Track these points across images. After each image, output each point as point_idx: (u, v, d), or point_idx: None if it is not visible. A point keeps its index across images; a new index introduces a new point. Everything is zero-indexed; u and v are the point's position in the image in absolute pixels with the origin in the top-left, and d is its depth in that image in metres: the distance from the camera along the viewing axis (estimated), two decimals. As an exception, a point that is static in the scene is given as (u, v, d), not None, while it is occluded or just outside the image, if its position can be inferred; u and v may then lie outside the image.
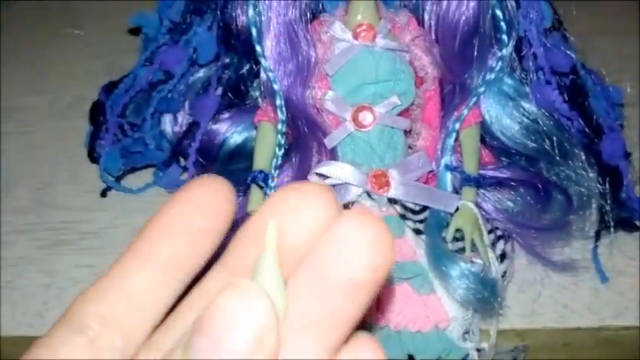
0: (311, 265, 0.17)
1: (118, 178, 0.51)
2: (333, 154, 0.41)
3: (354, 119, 0.40)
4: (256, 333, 0.15)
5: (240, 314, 0.15)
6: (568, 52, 0.43)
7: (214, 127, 0.47)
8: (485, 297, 0.38)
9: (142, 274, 0.18)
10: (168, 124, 0.49)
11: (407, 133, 0.43)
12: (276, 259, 0.17)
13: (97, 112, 0.51)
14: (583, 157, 0.45)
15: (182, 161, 0.51)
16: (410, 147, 0.43)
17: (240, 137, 0.47)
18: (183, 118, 0.49)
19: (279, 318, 0.16)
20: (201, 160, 0.48)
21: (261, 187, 0.40)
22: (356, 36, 0.40)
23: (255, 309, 0.15)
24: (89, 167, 0.52)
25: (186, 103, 0.48)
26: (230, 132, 0.47)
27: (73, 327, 0.18)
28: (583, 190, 0.45)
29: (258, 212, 0.18)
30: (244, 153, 0.46)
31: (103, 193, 0.51)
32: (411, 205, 0.40)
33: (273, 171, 0.40)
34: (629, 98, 0.52)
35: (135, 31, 0.52)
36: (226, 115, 0.47)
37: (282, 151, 0.40)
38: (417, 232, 0.40)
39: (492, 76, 0.41)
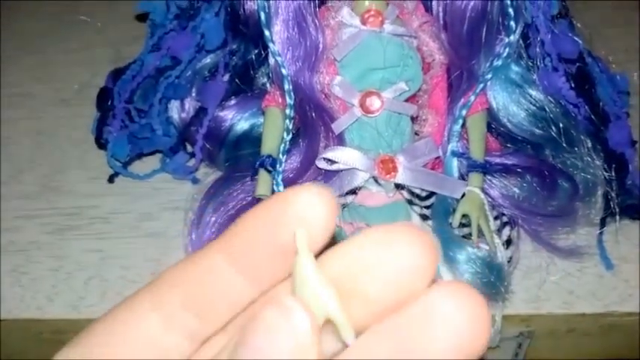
0: (393, 331, 0.16)
1: (126, 164, 0.51)
2: (340, 140, 0.41)
3: (362, 104, 0.40)
4: (296, 347, 0.15)
5: (280, 328, 0.15)
6: (575, 39, 0.43)
7: (221, 113, 0.47)
8: (492, 281, 0.38)
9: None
10: (175, 110, 0.49)
11: (414, 119, 0.43)
12: (314, 264, 0.17)
13: (104, 99, 0.51)
14: (589, 144, 0.45)
15: (189, 147, 0.51)
16: (416, 133, 0.43)
17: (246, 124, 0.47)
18: (190, 105, 0.49)
19: (319, 328, 0.16)
20: (208, 146, 0.48)
21: (269, 172, 0.40)
22: (364, 22, 0.40)
23: (295, 324, 0.15)
24: (97, 153, 0.52)
25: (194, 89, 0.48)
26: (237, 118, 0.47)
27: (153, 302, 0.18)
28: (589, 177, 0.45)
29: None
30: (251, 139, 0.47)
31: (111, 179, 0.51)
32: (417, 191, 0.41)
33: (281, 156, 0.40)
34: (635, 87, 0.52)
35: (142, 18, 0.52)
36: (233, 101, 0.47)
37: (290, 135, 0.40)
38: (424, 217, 0.41)
39: (500, 62, 0.41)
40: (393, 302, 0.16)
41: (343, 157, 0.40)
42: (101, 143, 0.52)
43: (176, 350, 0.18)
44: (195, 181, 0.50)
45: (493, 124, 0.44)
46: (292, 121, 0.40)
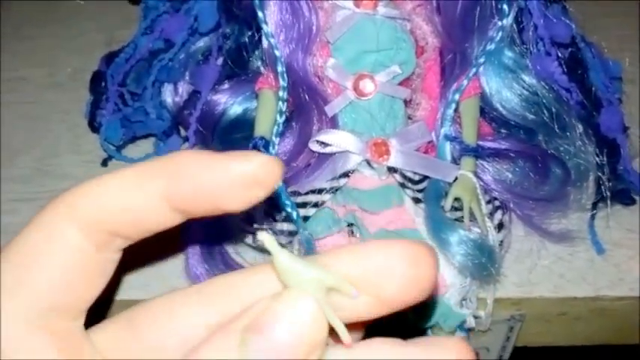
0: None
1: (119, 148, 0.51)
2: (333, 123, 0.41)
3: (355, 87, 0.40)
4: (308, 334, 0.17)
5: (293, 318, 0.17)
6: (568, 23, 0.43)
7: (214, 97, 0.47)
8: (483, 263, 0.38)
9: None
10: (168, 93, 0.49)
11: (407, 103, 0.43)
12: (295, 260, 0.18)
13: (97, 82, 0.51)
14: (581, 130, 0.45)
15: (183, 131, 0.51)
16: (409, 117, 0.44)
17: (240, 107, 0.47)
18: (184, 88, 0.49)
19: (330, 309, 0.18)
20: (201, 129, 0.48)
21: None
22: (357, 4, 0.40)
23: (303, 313, 0.17)
24: (90, 137, 0.52)
25: (187, 73, 0.48)
26: (230, 102, 0.47)
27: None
28: (581, 162, 0.45)
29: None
30: (244, 123, 0.47)
31: (104, 163, 0.51)
32: (410, 175, 0.41)
33: (274, 138, 0.40)
34: (628, 75, 0.52)
35: (135, 1, 0.52)
36: (227, 85, 0.47)
37: (283, 118, 0.40)
38: (417, 200, 0.41)
39: (493, 46, 0.42)
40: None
41: (336, 139, 0.40)
42: (94, 127, 0.52)
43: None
44: (188, 164, 0.50)
45: (486, 108, 0.44)
46: (285, 104, 0.40)
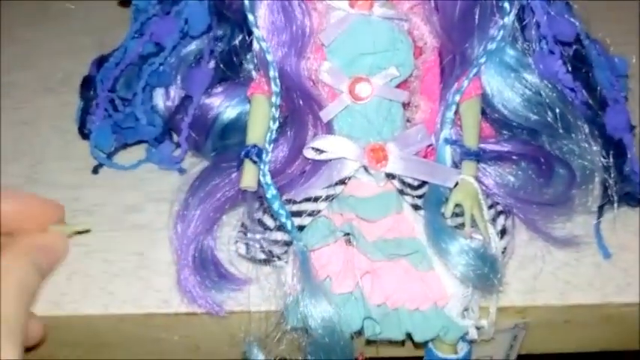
0: None
1: (110, 155, 0.50)
2: (329, 128, 0.40)
3: (351, 91, 0.39)
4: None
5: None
6: (572, 20, 0.42)
7: (207, 101, 0.46)
8: (485, 273, 0.37)
9: None
10: (160, 98, 0.48)
11: (405, 105, 0.42)
12: None
13: (87, 87, 0.50)
14: (586, 130, 0.44)
15: (175, 137, 0.50)
16: (408, 120, 0.42)
17: (234, 111, 0.46)
18: (176, 93, 0.48)
19: None
20: (194, 135, 0.47)
21: (254, 162, 0.39)
22: (352, 4, 0.39)
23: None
24: (81, 143, 0.51)
25: (179, 77, 0.47)
26: (223, 106, 0.46)
27: None
28: (586, 163, 0.44)
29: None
30: (238, 127, 0.46)
31: (95, 170, 0.50)
32: (409, 180, 0.40)
33: (267, 145, 0.39)
34: (633, 70, 0.50)
35: (126, 3, 0.51)
36: (219, 88, 0.46)
37: (277, 124, 0.39)
38: (416, 207, 0.40)
39: (494, 45, 0.40)
40: None
41: (332, 145, 0.39)
42: (84, 133, 0.50)
43: None
44: (181, 171, 0.49)
45: (487, 109, 0.43)
46: (279, 109, 0.39)
